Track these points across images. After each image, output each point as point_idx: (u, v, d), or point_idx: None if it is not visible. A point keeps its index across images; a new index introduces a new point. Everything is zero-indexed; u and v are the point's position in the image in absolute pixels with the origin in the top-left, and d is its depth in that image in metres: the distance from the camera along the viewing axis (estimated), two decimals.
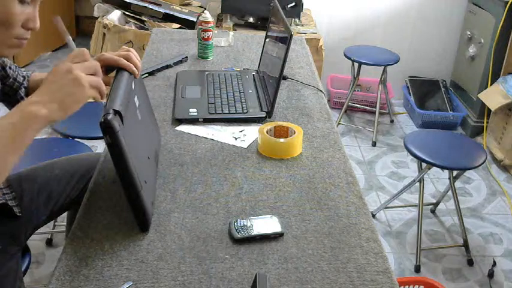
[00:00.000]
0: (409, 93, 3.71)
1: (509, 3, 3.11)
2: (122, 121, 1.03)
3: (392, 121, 3.66)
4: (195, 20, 3.26)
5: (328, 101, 3.31)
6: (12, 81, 1.36)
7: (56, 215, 1.56)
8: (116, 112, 1.02)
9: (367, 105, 3.68)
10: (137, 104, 1.22)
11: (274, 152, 1.45)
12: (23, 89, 1.40)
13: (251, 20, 3.34)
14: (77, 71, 1.01)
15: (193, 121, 1.59)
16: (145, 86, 1.49)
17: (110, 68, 1.23)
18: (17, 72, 1.38)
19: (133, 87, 1.19)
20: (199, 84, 1.81)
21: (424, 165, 2.33)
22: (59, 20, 1.17)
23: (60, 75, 1.00)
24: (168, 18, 3.28)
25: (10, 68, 1.35)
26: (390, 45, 3.58)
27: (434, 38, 3.82)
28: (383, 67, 3.33)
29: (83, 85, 1.00)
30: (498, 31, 3.20)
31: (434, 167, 2.28)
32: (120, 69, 1.20)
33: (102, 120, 0.99)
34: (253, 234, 1.14)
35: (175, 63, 2.00)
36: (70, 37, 1.22)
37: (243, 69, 1.99)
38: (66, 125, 2.07)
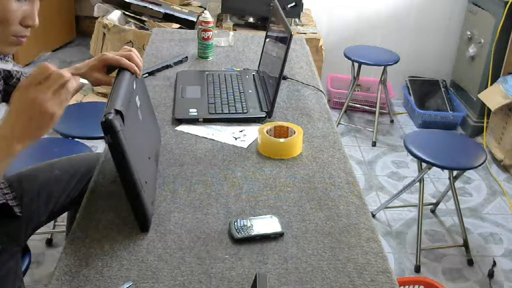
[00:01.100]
0: (409, 93, 3.71)
1: (509, 3, 3.11)
2: (123, 121, 1.03)
3: (392, 121, 3.66)
4: (195, 20, 3.26)
5: (328, 101, 3.31)
6: (15, 81, 1.36)
7: (56, 215, 1.56)
8: (117, 112, 1.02)
9: (367, 105, 3.68)
10: (138, 104, 1.22)
11: (274, 152, 1.45)
12: None
13: (251, 20, 3.34)
14: (42, 101, 0.95)
15: (193, 121, 1.59)
16: (146, 86, 1.49)
17: (111, 68, 1.23)
18: (20, 73, 1.38)
19: (134, 87, 1.19)
20: (199, 84, 1.81)
21: (424, 165, 2.33)
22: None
23: (27, 107, 0.96)
24: (168, 18, 3.28)
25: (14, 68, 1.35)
26: (390, 45, 3.58)
27: (434, 38, 3.82)
28: (383, 67, 3.33)
29: (50, 115, 0.96)
30: (498, 31, 3.20)
31: (434, 167, 2.28)
32: (121, 69, 1.21)
33: (104, 120, 0.99)
34: (253, 234, 1.14)
35: (175, 63, 2.00)
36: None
37: (243, 69, 1.99)
38: (66, 125, 2.07)
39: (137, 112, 1.20)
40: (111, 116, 0.99)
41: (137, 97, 1.21)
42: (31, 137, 0.98)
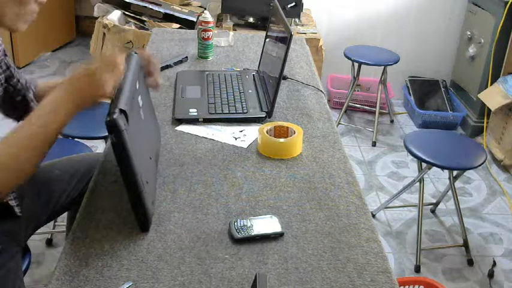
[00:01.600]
0: (409, 93, 3.71)
1: (509, 3, 3.11)
2: (127, 120, 1.02)
3: (392, 121, 3.66)
4: (195, 20, 3.26)
5: (328, 101, 3.31)
6: (16, 81, 1.37)
7: (56, 215, 1.56)
8: (122, 111, 1.01)
9: (367, 105, 3.68)
10: (141, 104, 1.22)
11: (274, 152, 1.45)
12: (31, 92, 1.41)
13: (251, 20, 3.34)
14: (101, 74, 1.11)
15: (193, 121, 1.59)
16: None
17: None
18: (20, 75, 1.39)
19: (137, 87, 1.19)
20: (199, 84, 1.81)
21: (424, 165, 2.33)
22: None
23: (88, 77, 1.12)
24: (168, 18, 3.28)
25: (14, 69, 1.36)
26: (390, 45, 3.58)
27: (434, 38, 3.82)
28: (383, 67, 3.33)
29: (104, 87, 1.11)
30: (498, 31, 3.20)
31: (434, 167, 2.28)
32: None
33: (108, 119, 0.98)
34: (253, 234, 1.14)
35: (175, 63, 2.00)
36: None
37: (243, 69, 1.99)
38: None
39: (139, 112, 1.20)
40: (115, 116, 0.99)
41: (140, 97, 1.21)
42: (84, 102, 1.13)
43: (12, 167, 1.07)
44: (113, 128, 0.99)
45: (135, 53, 1.29)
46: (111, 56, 1.15)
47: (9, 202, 1.30)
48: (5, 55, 1.31)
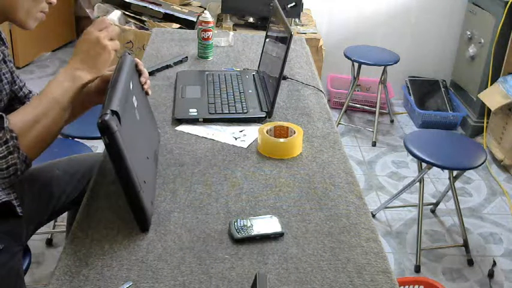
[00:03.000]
0: (409, 93, 3.71)
1: (509, 3, 3.11)
2: (120, 121, 1.03)
3: (392, 121, 3.66)
4: (195, 20, 3.26)
5: (328, 101, 3.31)
6: (17, 88, 1.37)
7: (56, 215, 1.56)
8: (114, 112, 1.02)
9: (367, 105, 3.68)
10: (135, 105, 1.22)
11: (274, 152, 1.45)
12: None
13: (251, 20, 3.34)
14: (104, 40, 1.21)
15: (193, 121, 1.59)
16: None
17: None
18: (23, 83, 1.40)
19: (131, 87, 1.20)
20: (199, 84, 1.81)
21: (424, 165, 2.33)
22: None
23: (92, 45, 1.21)
24: (168, 18, 3.28)
25: (17, 77, 1.38)
26: (390, 45, 3.58)
27: (434, 38, 3.82)
28: (383, 67, 3.33)
29: (109, 52, 1.22)
30: (498, 31, 3.20)
31: (434, 167, 2.28)
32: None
33: (100, 121, 0.99)
34: (253, 234, 1.14)
35: (175, 63, 2.00)
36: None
37: (243, 69, 1.99)
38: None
39: (134, 112, 1.20)
40: (107, 117, 0.99)
41: (134, 97, 1.22)
42: (94, 67, 1.21)
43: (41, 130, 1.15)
44: (105, 130, 0.99)
45: (129, 53, 1.30)
46: (106, 22, 1.24)
47: (11, 202, 1.30)
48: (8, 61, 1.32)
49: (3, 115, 1.10)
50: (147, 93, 1.38)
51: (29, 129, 1.13)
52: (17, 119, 1.13)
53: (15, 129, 1.11)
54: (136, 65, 1.34)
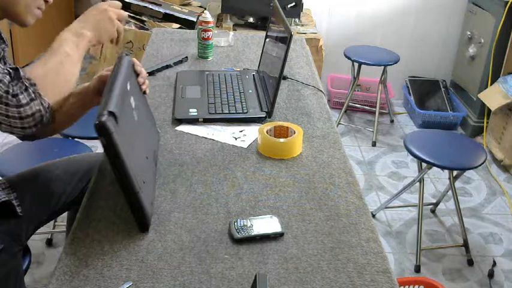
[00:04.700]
0: (409, 93, 3.71)
1: (509, 3, 3.11)
2: (117, 122, 1.03)
3: (392, 121, 3.66)
4: (195, 20, 3.26)
5: (328, 101, 3.31)
6: None
7: (56, 214, 1.56)
8: (111, 113, 1.02)
9: (367, 105, 3.68)
10: (133, 105, 1.22)
11: (274, 152, 1.45)
12: None
13: (251, 20, 3.34)
14: (112, 13, 1.31)
15: (193, 121, 1.59)
16: None
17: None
18: None
19: (128, 88, 1.19)
20: (199, 84, 1.81)
21: (424, 165, 2.33)
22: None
23: (99, 12, 1.29)
24: (168, 18, 3.28)
25: None
26: (390, 45, 3.58)
27: (434, 38, 3.82)
28: (383, 67, 3.33)
29: (114, 25, 1.31)
30: (498, 31, 3.20)
31: (434, 167, 2.28)
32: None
33: (97, 122, 0.99)
34: (253, 234, 1.14)
35: (175, 63, 2.00)
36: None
37: (243, 69, 1.99)
38: None
39: (132, 113, 1.20)
40: (104, 118, 0.99)
41: (132, 98, 1.21)
42: (96, 30, 1.29)
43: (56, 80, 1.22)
44: (102, 131, 0.99)
45: (127, 54, 1.30)
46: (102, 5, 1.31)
47: (11, 201, 1.30)
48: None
49: (18, 67, 1.14)
50: (144, 93, 1.38)
51: (46, 77, 1.18)
52: (32, 69, 1.18)
53: (33, 77, 1.15)
54: (133, 66, 1.33)
